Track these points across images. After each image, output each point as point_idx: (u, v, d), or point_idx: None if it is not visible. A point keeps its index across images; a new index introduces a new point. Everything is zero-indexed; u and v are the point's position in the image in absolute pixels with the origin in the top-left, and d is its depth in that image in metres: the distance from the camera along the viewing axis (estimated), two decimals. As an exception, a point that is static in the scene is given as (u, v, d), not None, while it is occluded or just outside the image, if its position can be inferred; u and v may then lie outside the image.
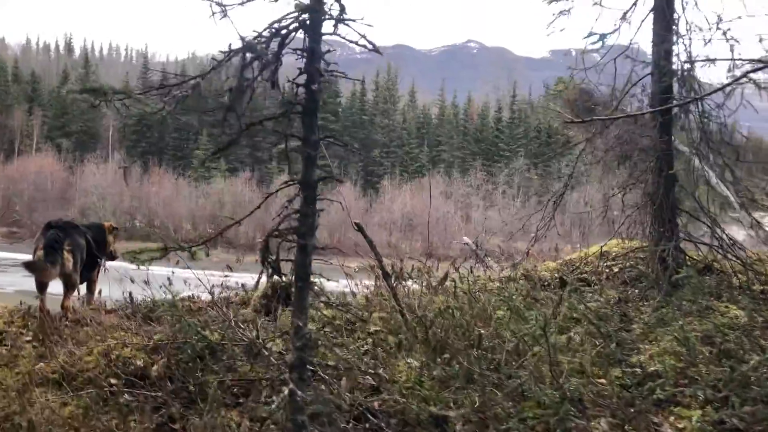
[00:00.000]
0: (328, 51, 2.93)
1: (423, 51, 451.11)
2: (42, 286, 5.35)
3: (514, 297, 4.80)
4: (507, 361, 3.64)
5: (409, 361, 3.67)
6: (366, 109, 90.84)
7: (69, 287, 5.49)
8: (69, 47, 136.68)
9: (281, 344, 3.77)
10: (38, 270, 5.22)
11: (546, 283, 6.53)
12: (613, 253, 7.44)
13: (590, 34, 7.06)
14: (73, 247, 5.46)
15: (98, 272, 6.16)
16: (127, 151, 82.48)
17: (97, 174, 74.51)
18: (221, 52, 2.92)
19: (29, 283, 5.51)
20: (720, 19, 6.46)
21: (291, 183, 3.00)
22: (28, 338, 4.76)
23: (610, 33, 7.14)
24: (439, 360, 3.59)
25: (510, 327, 3.99)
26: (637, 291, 6.20)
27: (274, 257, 3.95)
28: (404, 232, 69.17)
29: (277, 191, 3.45)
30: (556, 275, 6.95)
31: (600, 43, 7.36)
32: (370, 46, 2.98)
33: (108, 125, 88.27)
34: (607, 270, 6.88)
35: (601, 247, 7.57)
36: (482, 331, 3.85)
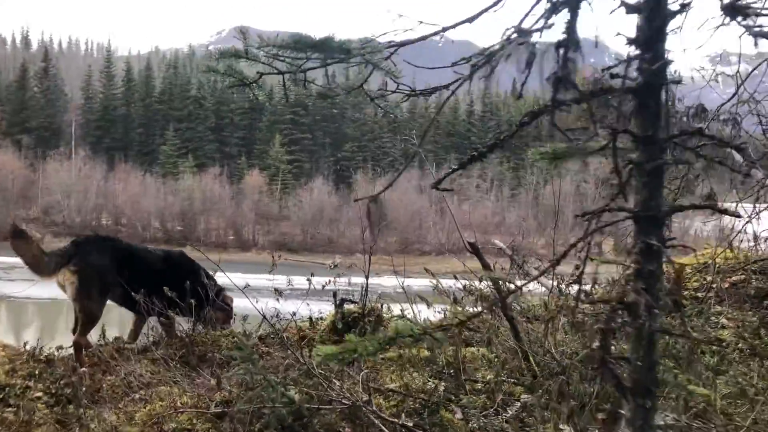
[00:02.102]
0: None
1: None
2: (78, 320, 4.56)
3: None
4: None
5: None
6: (336, 103, 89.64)
7: (80, 320, 4.55)
8: (26, 40, 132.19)
9: (388, 403, 2.90)
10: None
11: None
12: (718, 266, 6.30)
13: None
14: (84, 269, 4.49)
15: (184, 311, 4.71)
16: (91, 147, 79.81)
17: (61, 171, 71.98)
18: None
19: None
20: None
21: (625, 213, 1.77)
22: (39, 393, 3.81)
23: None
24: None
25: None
26: None
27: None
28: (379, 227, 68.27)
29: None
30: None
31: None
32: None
33: (70, 120, 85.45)
34: (713, 286, 5.86)
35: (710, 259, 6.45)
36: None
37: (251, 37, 2.44)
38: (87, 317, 4.54)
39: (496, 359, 3.53)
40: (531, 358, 3.02)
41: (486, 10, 2.25)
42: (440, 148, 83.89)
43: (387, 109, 3.12)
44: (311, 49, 2.17)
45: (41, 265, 4.48)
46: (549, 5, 1.92)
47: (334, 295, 4.70)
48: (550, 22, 1.96)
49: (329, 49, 2.19)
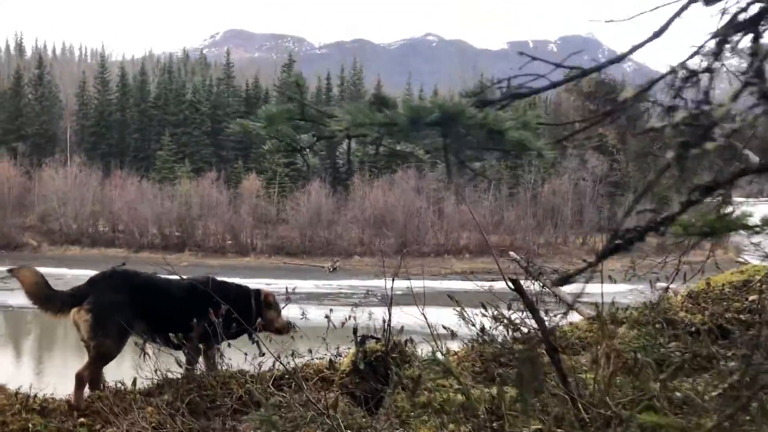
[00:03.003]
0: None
1: (382, 45, 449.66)
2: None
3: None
4: None
5: None
6: (332, 105, 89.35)
7: (91, 355, 4.37)
8: (20, 48, 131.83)
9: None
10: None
11: (692, 329, 5.15)
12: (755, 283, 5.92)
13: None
14: (99, 307, 4.30)
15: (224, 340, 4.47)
16: (86, 153, 79.50)
17: (57, 178, 71.67)
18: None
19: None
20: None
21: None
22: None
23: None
24: None
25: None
26: None
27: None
28: (377, 229, 68.17)
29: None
30: (693, 314, 5.46)
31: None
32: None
33: (65, 127, 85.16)
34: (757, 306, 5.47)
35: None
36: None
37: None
38: (99, 354, 4.33)
39: (538, 405, 3.33)
40: (579, 404, 2.82)
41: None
42: (437, 149, 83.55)
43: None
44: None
45: (46, 302, 4.32)
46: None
47: (355, 331, 4.39)
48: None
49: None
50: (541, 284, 5.78)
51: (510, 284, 3.21)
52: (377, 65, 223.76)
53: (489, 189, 73.45)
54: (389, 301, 4.58)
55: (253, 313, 4.66)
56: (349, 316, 4.45)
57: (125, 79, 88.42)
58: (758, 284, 5.60)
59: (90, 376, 4.24)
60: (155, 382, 4.30)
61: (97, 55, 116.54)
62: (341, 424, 2.60)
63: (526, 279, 6.64)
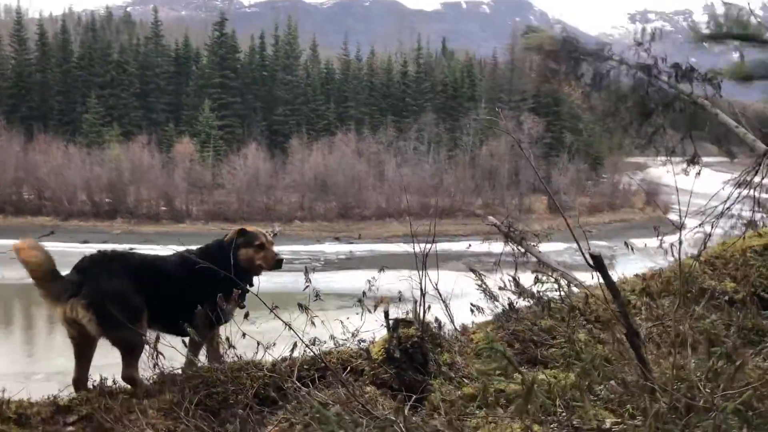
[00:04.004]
0: None
1: (314, 4, 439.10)
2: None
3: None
4: None
5: None
6: (267, 65, 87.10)
7: (121, 353, 3.77)
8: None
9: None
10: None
11: (727, 299, 4.84)
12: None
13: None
14: (98, 300, 3.62)
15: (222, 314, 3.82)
16: (5, 117, 74.77)
17: (-27, 144, 67.33)
18: None
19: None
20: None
21: None
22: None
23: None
24: None
25: None
26: None
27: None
28: (317, 193, 67.43)
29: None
30: (720, 281, 5.23)
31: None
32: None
33: (-20, 89, 79.79)
34: None
35: None
36: None
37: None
38: (126, 348, 3.71)
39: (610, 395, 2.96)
40: (657, 391, 2.41)
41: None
42: (376, 111, 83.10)
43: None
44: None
45: (49, 287, 3.65)
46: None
47: (386, 315, 3.89)
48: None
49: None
50: (524, 249, 5.54)
51: (590, 262, 2.82)
52: (310, 25, 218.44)
53: (428, 152, 73.62)
54: (422, 277, 4.09)
55: (233, 263, 3.91)
56: (369, 287, 3.91)
57: (45, 38, 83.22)
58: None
59: (131, 371, 3.68)
60: (153, 378, 3.75)
61: (12, 12, 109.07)
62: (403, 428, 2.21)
63: (506, 243, 6.33)
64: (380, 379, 3.68)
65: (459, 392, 3.37)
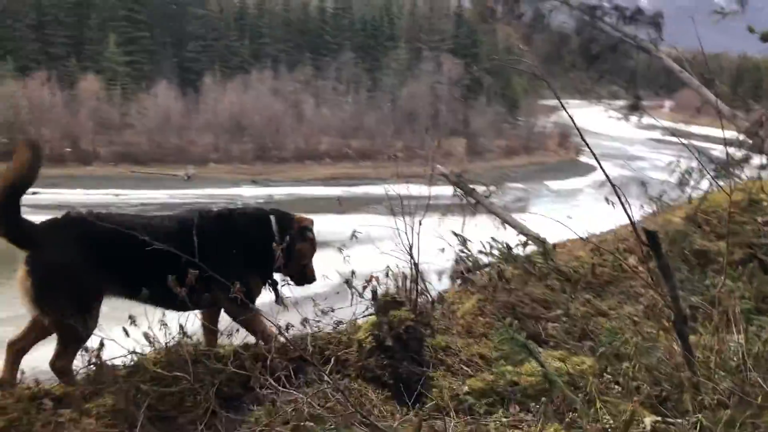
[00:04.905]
0: None
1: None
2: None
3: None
4: None
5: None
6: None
7: (58, 339, 3.13)
8: None
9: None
10: None
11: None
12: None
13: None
14: (40, 268, 3.00)
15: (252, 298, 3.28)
16: None
17: None
18: None
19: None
20: None
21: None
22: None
23: None
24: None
25: None
26: None
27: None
28: (233, 134, 65.29)
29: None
30: (710, 241, 4.90)
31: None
32: None
33: None
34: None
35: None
36: None
37: None
38: (63, 336, 3.09)
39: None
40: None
41: None
42: (293, 48, 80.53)
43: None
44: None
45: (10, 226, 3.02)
46: None
47: (374, 295, 3.33)
48: None
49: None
50: (475, 199, 5.35)
51: (645, 239, 2.49)
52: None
53: (348, 92, 72.46)
54: (410, 248, 3.53)
55: (277, 252, 3.28)
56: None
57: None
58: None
59: (63, 362, 3.09)
60: (87, 375, 3.09)
61: None
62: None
63: (457, 194, 6.04)
64: (369, 370, 3.13)
65: (466, 387, 3.01)
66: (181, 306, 3.21)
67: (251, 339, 3.37)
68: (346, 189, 51.84)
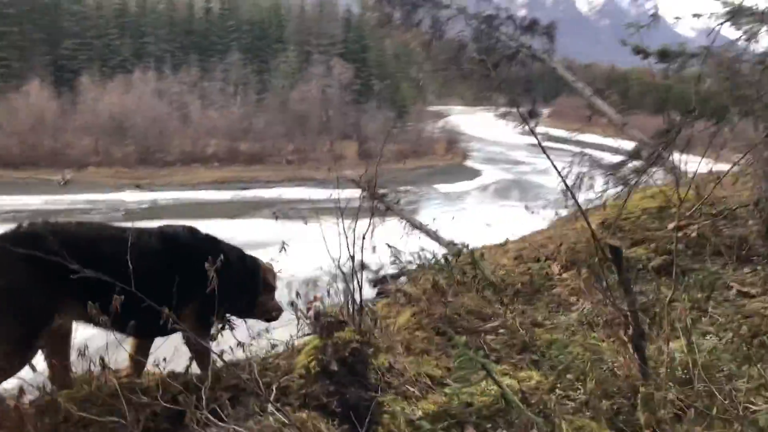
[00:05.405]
0: None
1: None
2: None
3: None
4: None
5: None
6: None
7: None
8: None
9: None
10: None
11: (639, 267, 4.52)
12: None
13: None
14: None
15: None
16: None
17: None
18: None
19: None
20: None
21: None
22: None
23: None
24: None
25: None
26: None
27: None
28: (114, 136, 61.99)
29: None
30: (638, 250, 4.87)
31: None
32: None
33: None
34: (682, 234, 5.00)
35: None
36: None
37: None
38: None
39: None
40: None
41: None
42: (178, 48, 77.77)
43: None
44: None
45: None
46: None
47: (317, 317, 3.12)
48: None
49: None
50: (386, 206, 5.31)
51: (609, 254, 2.47)
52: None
53: (236, 94, 70.94)
54: (353, 263, 3.34)
55: (255, 293, 3.26)
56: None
57: None
58: (676, 211, 5.18)
59: None
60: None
61: None
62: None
63: (366, 201, 5.98)
64: (314, 398, 2.89)
65: (420, 411, 2.84)
66: (152, 332, 2.98)
67: (177, 367, 3.13)
68: (236, 193, 50.80)
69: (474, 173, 64.96)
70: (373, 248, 3.75)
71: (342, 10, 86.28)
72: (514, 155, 70.22)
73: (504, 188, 58.75)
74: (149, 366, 3.00)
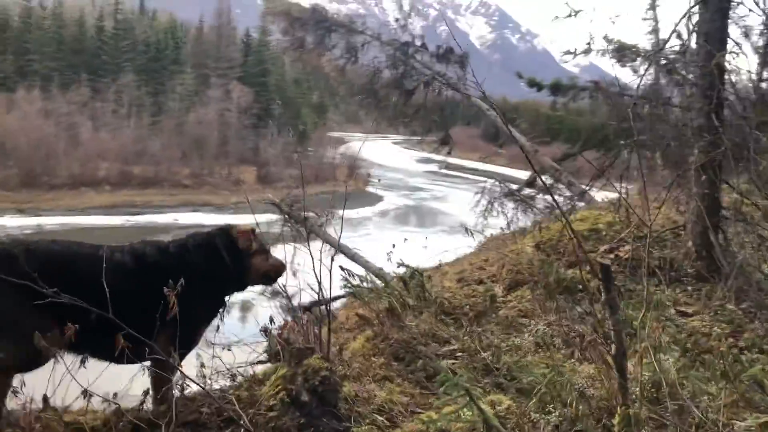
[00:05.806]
0: None
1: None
2: None
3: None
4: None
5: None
6: None
7: None
8: None
9: None
10: None
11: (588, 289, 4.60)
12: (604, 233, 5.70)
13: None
14: None
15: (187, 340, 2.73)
16: None
17: None
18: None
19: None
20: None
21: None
22: None
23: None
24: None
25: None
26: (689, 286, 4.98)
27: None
28: (-7, 158, 57.83)
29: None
30: (576, 272, 4.80)
31: None
32: None
33: None
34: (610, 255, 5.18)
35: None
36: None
37: None
38: None
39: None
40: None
41: None
42: (66, 67, 74.00)
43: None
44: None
45: None
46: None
47: (288, 343, 2.95)
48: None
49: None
50: (308, 230, 5.26)
51: (599, 273, 2.42)
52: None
53: (129, 116, 68.30)
54: (321, 286, 3.19)
55: (232, 268, 3.03)
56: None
57: None
58: (607, 234, 5.41)
59: None
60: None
61: None
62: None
63: (287, 223, 5.88)
64: None
65: None
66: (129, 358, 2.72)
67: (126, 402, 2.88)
68: (128, 218, 48.61)
69: (376, 199, 65.70)
70: (294, 273, 3.66)
71: (241, 34, 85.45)
72: (413, 182, 71.71)
73: (404, 214, 59.83)
74: (95, 403, 2.76)
